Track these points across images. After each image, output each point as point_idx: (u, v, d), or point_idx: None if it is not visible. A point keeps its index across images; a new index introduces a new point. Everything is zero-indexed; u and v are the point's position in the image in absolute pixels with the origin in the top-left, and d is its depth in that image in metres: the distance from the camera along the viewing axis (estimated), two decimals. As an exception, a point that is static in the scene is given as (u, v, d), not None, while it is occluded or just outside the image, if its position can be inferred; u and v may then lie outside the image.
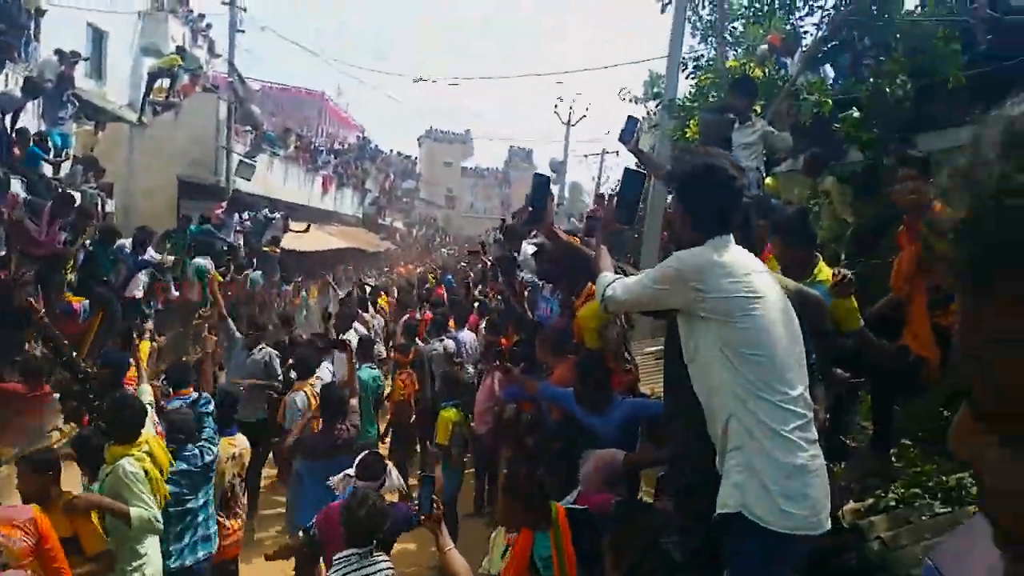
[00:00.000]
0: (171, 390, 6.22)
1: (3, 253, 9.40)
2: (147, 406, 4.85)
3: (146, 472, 4.37)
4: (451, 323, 10.24)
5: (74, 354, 5.99)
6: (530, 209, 3.89)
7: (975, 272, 0.53)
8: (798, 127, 7.52)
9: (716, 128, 5.41)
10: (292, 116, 30.69)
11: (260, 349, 8.22)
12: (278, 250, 16.21)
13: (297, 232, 17.26)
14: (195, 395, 5.95)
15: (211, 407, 5.20)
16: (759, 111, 7.04)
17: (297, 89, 34.15)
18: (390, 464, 5.23)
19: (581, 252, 3.44)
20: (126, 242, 10.46)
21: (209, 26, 22.15)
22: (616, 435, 4.35)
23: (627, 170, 3.67)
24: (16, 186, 10.25)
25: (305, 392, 6.83)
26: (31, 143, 11.23)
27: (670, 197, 3.18)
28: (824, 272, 3.95)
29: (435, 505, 3.50)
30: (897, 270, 4.29)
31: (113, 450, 4.44)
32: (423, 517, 3.51)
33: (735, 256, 2.62)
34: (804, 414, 2.48)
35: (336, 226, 26.07)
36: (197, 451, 4.92)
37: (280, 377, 8.23)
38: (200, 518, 4.97)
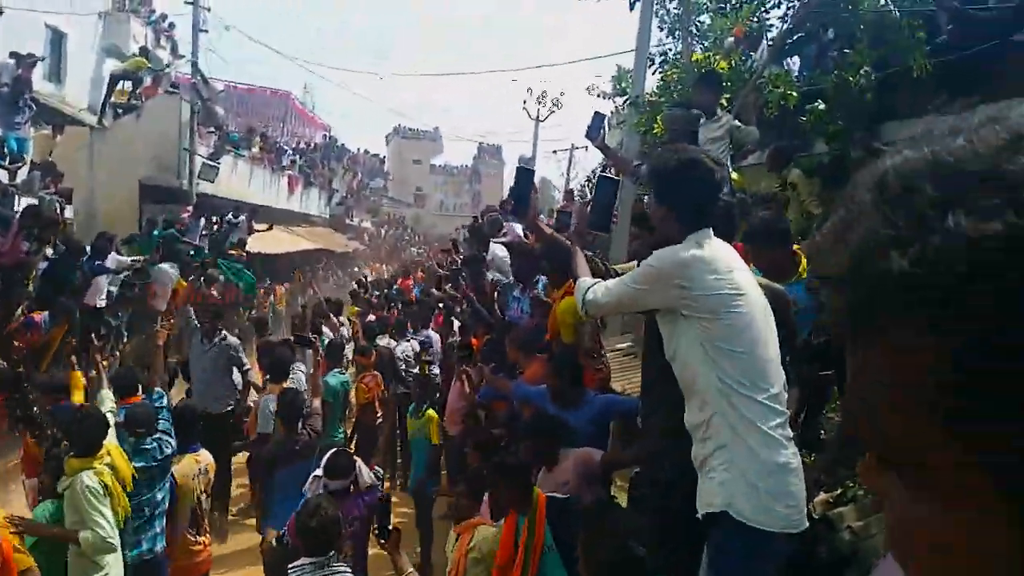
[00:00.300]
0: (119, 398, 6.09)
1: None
2: (108, 414, 4.74)
3: (106, 486, 4.27)
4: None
5: (25, 386, 5.85)
6: (512, 201, 3.82)
7: (855, 316, 0.54)
8: (764, 120, 7.55)
9: (683, 123, 5.40)
10: (257, 116, 30.33)
11: (222, 339, 8.00)
12: (244, 253, 15.99)
13: (259, 231, 17.06)
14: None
15: (165, 401, 5.21)
16: (725, 105, 7.05)
17: (262, 89, 33.74)
18: (359, 461, 5.17)
19: (564, 244, 3.38)
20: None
21: (172, 26, 21.79)
22: (589, 431, 4.34)
23: (600, 176, 3.65)
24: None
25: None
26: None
27: (647, 196, 3.11)
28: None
29: (392, 528, 3.54)
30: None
31: (72, 463, 4.32)
32: (381, 542, 3.53)
33: (717, 251, 2.60)
34: (784, 412, 2.49)
35: (304, 227, 25.81)
36: (156, 444, 4.89)
37: (247, 366, 8.12)
38: (158, 511, 4.92)
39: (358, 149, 42.21)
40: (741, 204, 4.21)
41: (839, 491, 4.05)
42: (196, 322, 8.11)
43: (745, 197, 6.09)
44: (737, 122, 6.52)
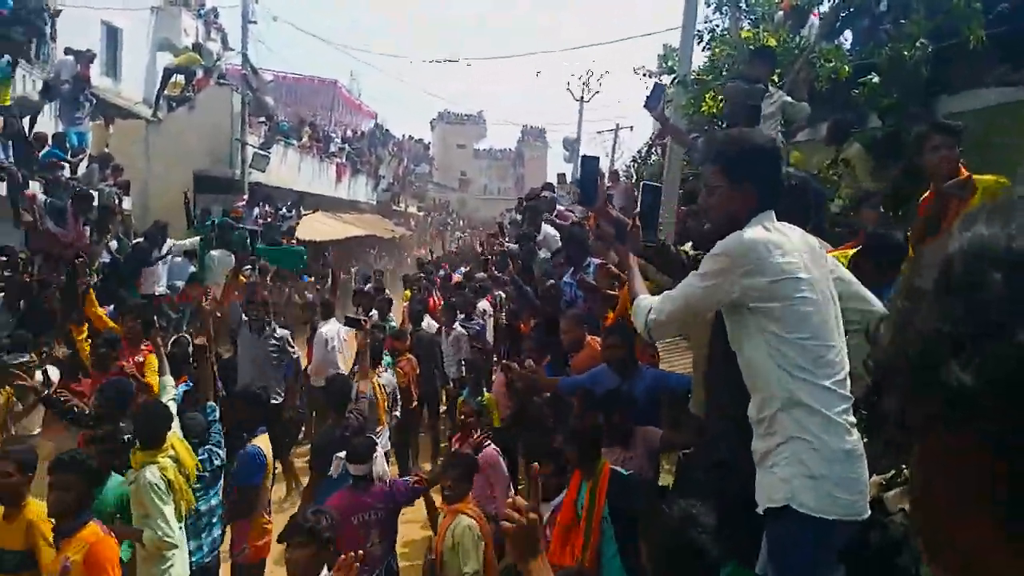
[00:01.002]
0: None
1: (24, 256, 9.56)
2: (170, 402, 4.82)
3: (169, 482, 4.31)
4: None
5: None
6: (578, 191, 3.77)
7: (911, 412, 0.52)
8: (815, 94, 7.42)
9: (748, 97, 5.33)
10: (306, 105, 30.69)
11: (272, 330, 7.93)
12: (295, 240, 16.25)
13: (306, 215, 17.35)
14: (185, 387, 5.97)
15: (217, 415, 5.29)
16: (776, 80, 6.96)
17: (310, 78, 34.11)
18: (379, 451, 5.29)
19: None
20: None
21: (217, 15, 22.16)
22: (642, 401, 4.55)
23: (644, 185, 3.61)
24: (35, 188, 10.43)
25: (372, 383, 6.76)
26: (51, 144, 11.40)
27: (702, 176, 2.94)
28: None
29: None
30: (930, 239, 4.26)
31: (137, 456, 4.38)
32: None
33: (784, 232, 2.54)
34: (849, 396, 2.44)
35: (352, 214, 26.14)
36: (207, 455, 4.97)
37: (297, 355, 8.24)
38: (214, 519, 5.04)
39: (403, 135, 42.49)
40: (816, 194, 4.13)
41: (891, 473, 4.01)
42: (244, 315, 8.02)
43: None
44: (789, 98, 6.43)
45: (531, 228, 8.52)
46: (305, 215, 17.40)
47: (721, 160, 2.69)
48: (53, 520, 3.76)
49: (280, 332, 8.09)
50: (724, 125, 5.93)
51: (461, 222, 45.22)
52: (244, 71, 19.01)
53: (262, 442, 5.38)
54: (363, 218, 27.36)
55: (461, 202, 53.71)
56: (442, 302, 11.38)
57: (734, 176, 2.63)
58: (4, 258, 9.22)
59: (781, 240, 2.49)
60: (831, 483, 2.33)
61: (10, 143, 10.54)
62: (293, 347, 8.26)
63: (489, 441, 5.73)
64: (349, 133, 30.91)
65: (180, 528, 4.39)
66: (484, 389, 7.23)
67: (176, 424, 4.70)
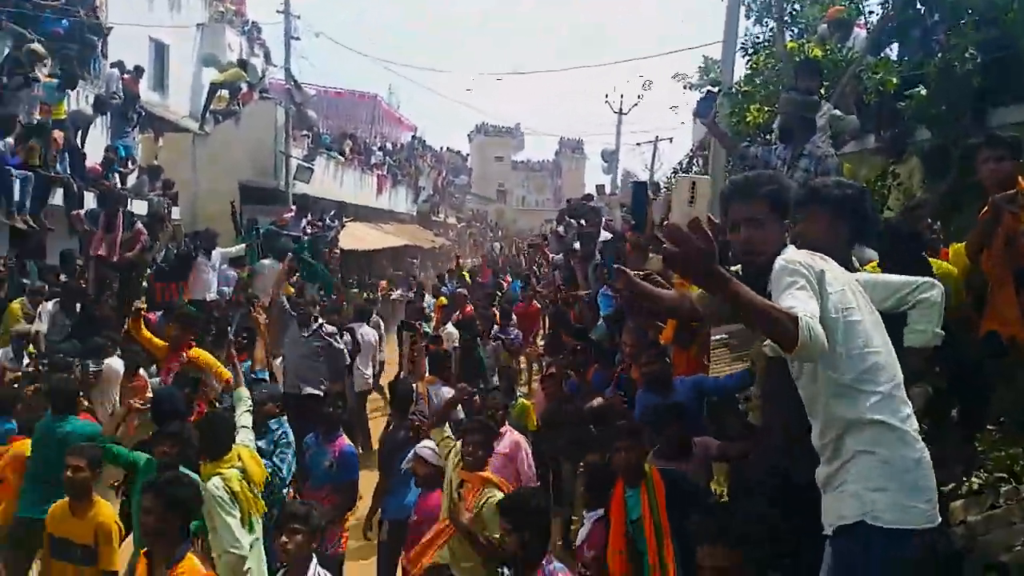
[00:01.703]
0: None
1: (81, 262, 9.86)
2: (245, 413, 4.87)
3: (234, 493, 4.25)
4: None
5: None
6: (632, 223, 3.74)
7: None
8: (862, 107, 7.35)
9: (798, 108, 5.31)
10: (347, 119, 31.08)
11: (320, 326, 8.22)
12: (337, 251, 16.44)
13: (345, 221, 17.62)
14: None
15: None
16: (824, 93, 6.92)
17: (351, 93, 34.52)
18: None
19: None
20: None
21: (259, 30, 22.58)
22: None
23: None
24: (90, 199, 10.78)
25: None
26: (113, 162, 11.84)
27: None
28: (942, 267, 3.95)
29: None
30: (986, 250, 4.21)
31: (205, 468, 4.35)
32: None
33: (817, 255, 2.56)
34: (908, 401, 2.43)
35: (393, 224, 26.41)
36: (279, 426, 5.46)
37: (344, 355, 8.49)
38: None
39: (441, 147, 42.80)
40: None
41: (951, 485, 3.97)
42: (291, 311, 8.40)
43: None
44: (837, 111, 6.38)
45: (594, 229, 8.51)
46: (345, 221, 17.66)
47: (771, 196, 2.66)
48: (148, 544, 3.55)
49: (328, 328, 8.37)
50: (775, 136, 5.90)
51: (499, 233, 45.36)
52: (288, 85, 19.35)
53: (346, 440, 5.61)
54: (404, 228, 27.63)
55: (499, 213, 53.87)
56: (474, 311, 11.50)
57: (785, 213, 2.71)
58: (63, 264, 9.56)
59: (820, 261, 2.48)
60: (904, 494, 2.31)
61: (66, 155, 10.86)
62: (340, 343, 8.47)
63: None
64: (389, 145, 31.23)
65: (256, 538, 4.29)
66: (517, 395, 7.32)
67: (249, 434, 4.75)
